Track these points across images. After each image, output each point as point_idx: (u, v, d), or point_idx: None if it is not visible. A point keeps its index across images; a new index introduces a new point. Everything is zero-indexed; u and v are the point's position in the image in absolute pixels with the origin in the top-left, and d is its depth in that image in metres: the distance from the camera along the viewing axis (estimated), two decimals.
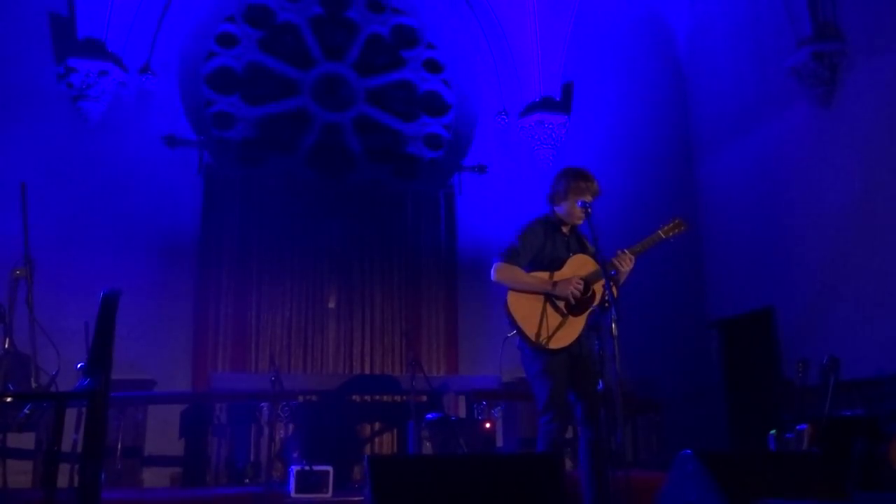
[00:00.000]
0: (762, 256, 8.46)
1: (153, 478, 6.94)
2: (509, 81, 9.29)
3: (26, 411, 4.57)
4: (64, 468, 5.25)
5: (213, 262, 8.00)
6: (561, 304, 3.79)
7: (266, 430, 6.55)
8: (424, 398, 6.83)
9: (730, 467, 3.50)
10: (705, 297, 9.31)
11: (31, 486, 5.75)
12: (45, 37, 7.87)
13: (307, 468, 5.41)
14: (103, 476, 4.64)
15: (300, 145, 9.03)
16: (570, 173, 3.98)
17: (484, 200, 8.88)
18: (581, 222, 3.95)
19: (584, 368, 3.81)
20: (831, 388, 5.94)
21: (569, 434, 4.04)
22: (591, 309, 3.84)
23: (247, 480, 6.47)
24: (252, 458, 6.69)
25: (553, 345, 3.73)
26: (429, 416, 6.37)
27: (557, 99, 9.24)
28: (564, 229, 4.00)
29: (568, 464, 5.61)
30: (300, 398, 7.04)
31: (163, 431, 6.96)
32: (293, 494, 5.34)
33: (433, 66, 9.65)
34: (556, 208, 4.01)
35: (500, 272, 3.83)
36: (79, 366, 4.65)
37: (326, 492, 5.39)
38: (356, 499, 5.29)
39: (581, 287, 3.77)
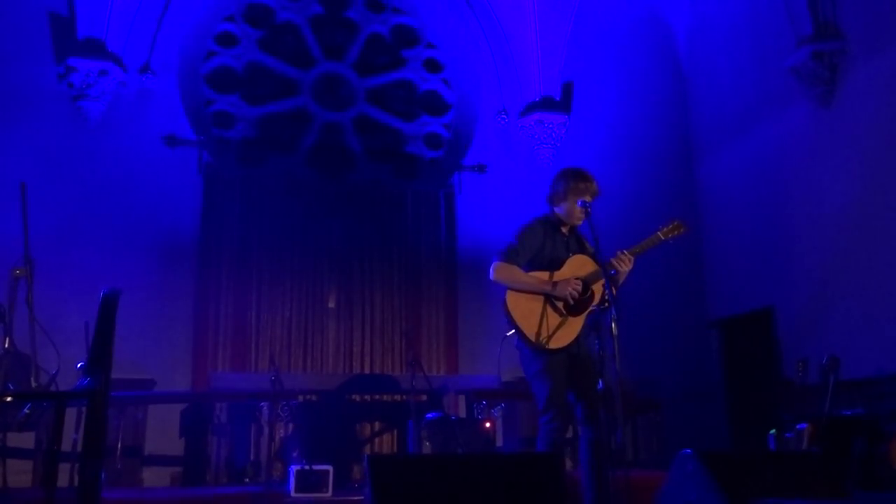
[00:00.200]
0: (762, 256, 8.46)
1: (153, 477, 6.95)
2: (509, 81, 9.29)
3: (26, 411, 4.57)
4: (64, 467, 5.26)
5: (213, 261, 8.00)
6: (560, 304, 3.79)
7: (266, 430, 6.56)
8: (424, 398, 6.83)
9: (730, 467, 3.50)
10: (705, 296, 9.31)
11: (31, 486, 5.74)
12: (45, 36, 7.87)
13: (307, 468, 5.41)
14: (103, 475, 4.64)
15: (300, 145, 9.03)
16: (570, 174, 3.98)
17: (484, 200, 8.88)
18: (581, 223, 3.95)
19: (584, 368, 3.81)
20: (831, 387, 5.94)
21: (569, 434, 4.04)
22: (590, 309, 3.84)
23: (247, 480, 6.48)
24: (252, 457, 6.69)
25: (552, 344, 3.73)
26: (429, 415, 6.38)
27: (557, 98, 9.23)
28: (564, 230, 4.00)
29: (568, 463, 5.61)
30: (300, 398, 7.04)
31: (163, 431, 6.96)
32: (293, 494, 5.34)
33: (433, 66, 9.65)
34: (555, 209, 4.01)
35: (498, 271, 3.83)
36: (79, 365, 4.66)
37: (326, 491, 5.39)
38: (356, 498, 5.29)
39: (579, 288, 3.78)
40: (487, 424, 6.62)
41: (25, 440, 5.54)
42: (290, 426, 6.86)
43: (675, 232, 3.95)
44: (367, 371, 8.15)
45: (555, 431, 3.68)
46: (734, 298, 8.83)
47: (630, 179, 8.92)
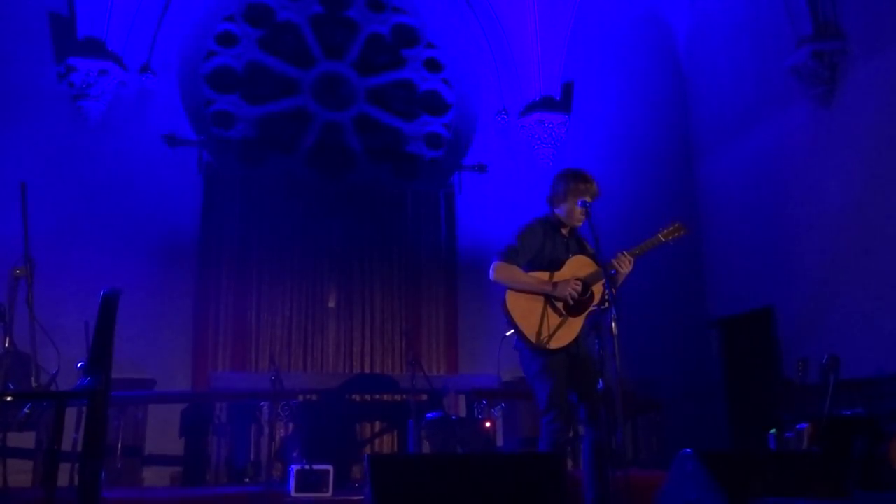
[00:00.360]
0: (762, 256, 8.46)
1: (153, 477, 6.95)
2: (509, 81, 9.29)
3: (26, 410, 4.58)
4: (64, 467, 5.26)
5: (213, 261, 8.00)
6: (559, 305, 3.79)
7: (266, 430, 6.56)
8: (424, 397, 6.83)
9: (729, 466, 3.50)
10: (705, 296, 9.31)
11: (31, 485, 5.74)
12: (45, 36, 7.87)
13: (307, 467, 5.41)
14: (103, 475, 4.64)
15: (300, 145, 9.03)
16: (570, 175, 3.97)
17: (484, 200, 8.88)
18: (581, 224, 3.95)
19: (584, 368, 3.81)
20: (831, 387, 5.94)
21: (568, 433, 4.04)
22: (589, 309, 3.84)
23: (247, 480, 6.48)
24: (252, 457, 6.69)
25: (552, 344, 3.73)
26: (429, 415, 6.37)
27: (557, 98, 9.24)
28: (564, 231, 4.00)
29: (569, 463, 5.61)
30: (300, 397, 7.04)
31: (163, 431, 6.96)
32: (293, 494, 5.34)
33: (433, 66, 9.65)
34: (555, 210, 4.00)
35: (498, 271, 3.83)
36: (79, 365, 4.65)
37: (326, 491, 5.39)
38: (356, 498, 5.29)
39: (579, 288, 3.78)
40: (487, 424, 6.61)
41: (25, 440, 5.54)
42: (291, 426, 6.86)
43: (676, 234, 3.97)
44: (367, 371, 8.15)
45: (557, 432, 3.68)
46: (734, 298, 8.83)
47: (630, 179, 8.92)
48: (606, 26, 9.73)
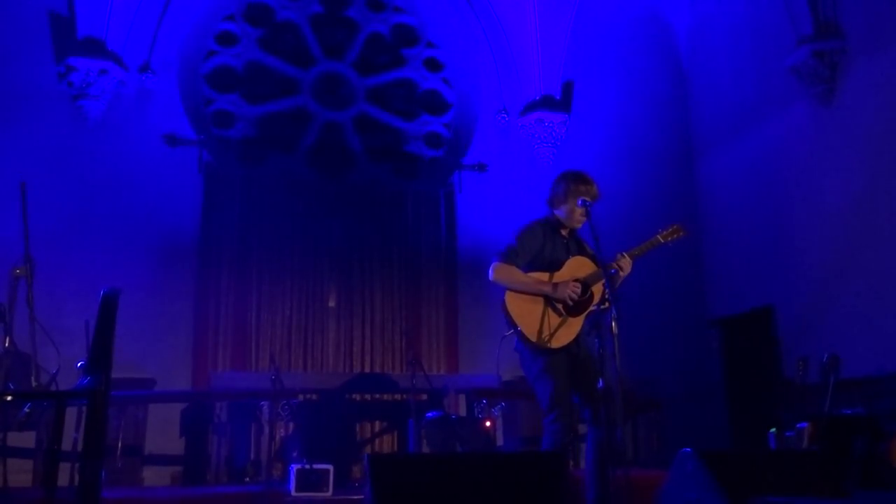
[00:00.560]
0: (762, 255, 8.46)
1: (153, 476, 6.95)
2: (509, 80, 9.28)
3: (26, 410, 4.58)
4: (64, 467, 5.25)
5: (213, 260, 8.00)
6: (559, 305, 3.79)
7: (266, 429, 6.57)
8: (424, 397, 6.83)
9: (730, 465, 3.50)
10: (705, 295, 9.31)
11: (31, 485, 5.75)
12: (45, 36, 7.86)
13: (307, 467, 5.42)
14: (103, 475, 4.64)
15: (300, 144, 9.02)
16: (570, 176, 3.98)
17: (484, 199, 8.88)
18: (581, 225, 3.96)
19: (585, 368, 3.81)
20: (831, 386, 5.95)
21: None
22: (589, 309, 3.85)
23: (247, 479, 6.48)
24: (252, 456, 6.70)
25: (553, 343, 3.74)
26: (429, 414, 6.37)
27: (557, 97, 9.23)
28: (563, 232, 4.00)
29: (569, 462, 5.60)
30: (300, 397, 7.05)
31: (163, 430, 6.96)
32: (293, 493, 5.34)
33: (433, 65, 9.65)
34: (555, 211, 4.01)
35: (498, 272, 3.84)
36: (79, 364, 4.66)
37: (327, 490, 5.39)
38: (356, 497, 5.29)
39: (578, 290, 3.78)
40: (487, 423, 6.62)
41: (26, 439, 5.54)
42: (291, 425, 6.87)
43: (675, 235, 3.99)
44: (367, 370, 8.15)
45: (559, 431, 3.67)
46: (734, 297, 8.83)
47: (630, 179, 8.92)
48: (606, 25, 9.72)
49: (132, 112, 8.05)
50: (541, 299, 3.78)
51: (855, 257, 7.35)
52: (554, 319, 3.77)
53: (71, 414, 5.17)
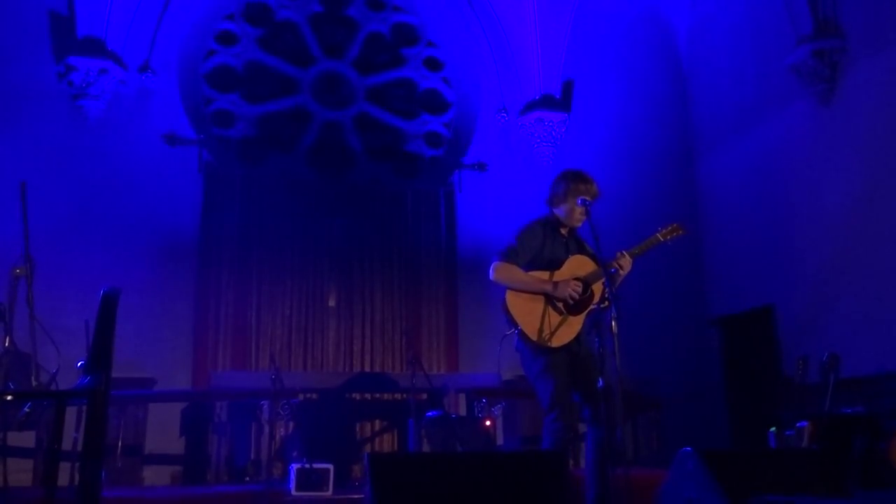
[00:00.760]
0: (762, 254, 8.46)
1: (153, 476, 6.95)
2: (509, 79, 9.28)
3: (26, 410, 4.58)
4: (64, 466, 5.26)
5: (213, 260, 8.00)
6: (560, 304, 3.80)
7: (266, 429, 6.56)
8: (424, 396, 6.83)
9: (730, 465, 3.50)
10: (705, 294, 9.31)
11: (31, 485, 5.75)
12: (44, 35, 7.86)
13: (307, 466, 5.41)
14: (104, 474, 4.64)
15: (300, 144, 9.02)
16: (570, 176, 3.98)
17: (484, 198, 8.88)
18: (580, 224, 3.96)
19: (586, 367, 3.81)
20: (831, 385, 5.95)
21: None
22: (589, 308, 3.85)
23: (247, 478, 6.48)
24: (252, 456, 6.69)
25: (553, 342, 3.74)
26: (429, 414, 6.38)
27: (557, 97, 9.23)
28: (563, 231, 4.00)
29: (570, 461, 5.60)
30: (300, 396, 7.05)
31: (163, 430, 6.96)
32: (293, 492, 5.34)
33: (433, 64, 9.65)
34: (555, 210, 4.01)
35: (498, 271, 3.84)
36: (79, 364, 4.66)
37: (327, 490, 5.39)
38: (356, 497, 5.29)
39: (579, 289, 3.79)
40: (488, 423, 6.62)
41: (26, 439, 5.54)
42: (291, 425, 6.87)
43: (674, 234, 4.01)
44: (367, 370, 8.15)
45: (560, 430, 3.67)
46: (734, 297, 8.83)
47: (630, 178, 8.92)
48: (606, 25, 9.72)
49: (132, 112, 8.04)
50: (541, 298, 3.79)
51: (855, 256, 7.35)
52: (554, 318, 3.77)
53: (71, 413, 5.17)
